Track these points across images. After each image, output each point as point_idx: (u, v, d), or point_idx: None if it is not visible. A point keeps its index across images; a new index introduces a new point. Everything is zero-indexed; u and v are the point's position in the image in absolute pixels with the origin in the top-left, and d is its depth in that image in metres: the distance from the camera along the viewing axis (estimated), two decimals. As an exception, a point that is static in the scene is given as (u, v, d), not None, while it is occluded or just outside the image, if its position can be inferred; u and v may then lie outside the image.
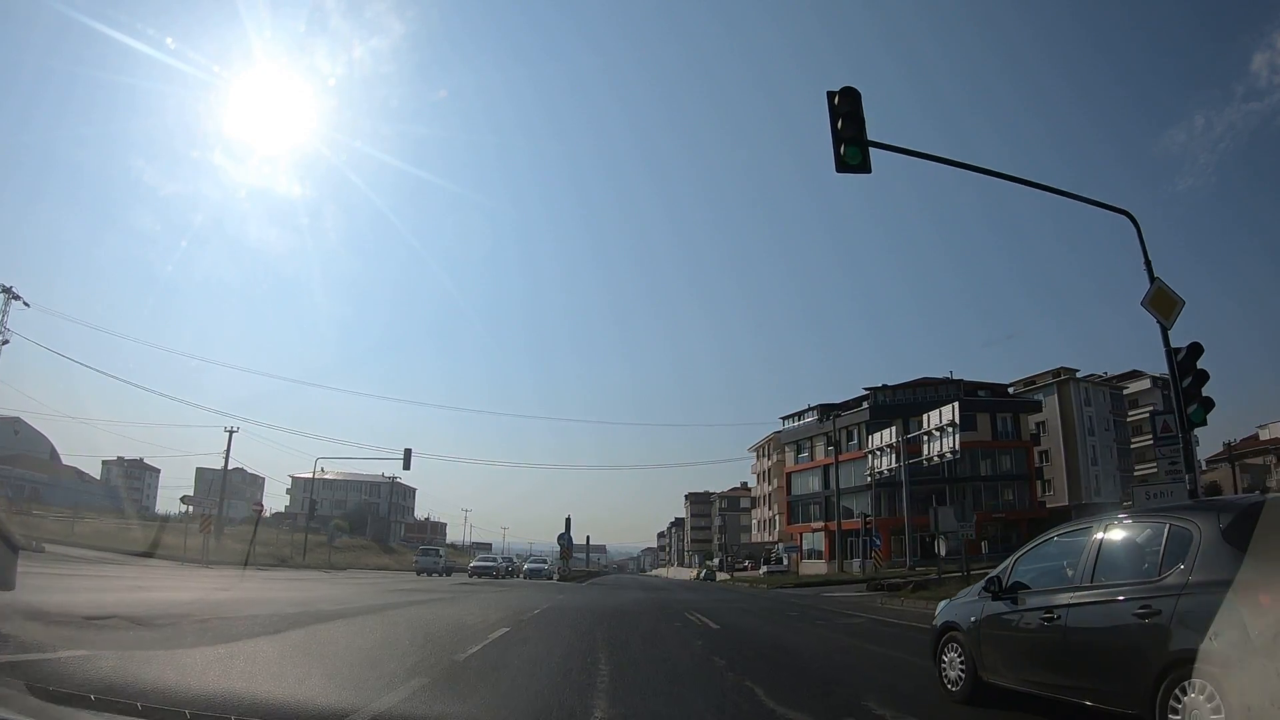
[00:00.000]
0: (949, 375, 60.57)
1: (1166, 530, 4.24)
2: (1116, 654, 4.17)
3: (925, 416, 36.93)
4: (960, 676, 5.68)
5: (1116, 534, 4.73)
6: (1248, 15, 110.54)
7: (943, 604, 6.80)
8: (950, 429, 34.84)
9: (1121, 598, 4.26)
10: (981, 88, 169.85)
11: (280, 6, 76.86)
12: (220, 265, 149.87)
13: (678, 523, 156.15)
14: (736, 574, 73.33)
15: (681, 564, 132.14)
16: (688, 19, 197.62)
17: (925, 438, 36.61)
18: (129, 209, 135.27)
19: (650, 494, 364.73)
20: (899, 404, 58.74)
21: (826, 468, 64.37)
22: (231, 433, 45.52)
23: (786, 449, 73.57)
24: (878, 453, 41.27)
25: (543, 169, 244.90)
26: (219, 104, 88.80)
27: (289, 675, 5.76)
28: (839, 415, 59.47)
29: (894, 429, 40.60)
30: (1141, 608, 4.02)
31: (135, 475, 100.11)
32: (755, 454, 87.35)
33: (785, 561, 68.54)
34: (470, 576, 37.90)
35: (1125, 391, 73.02)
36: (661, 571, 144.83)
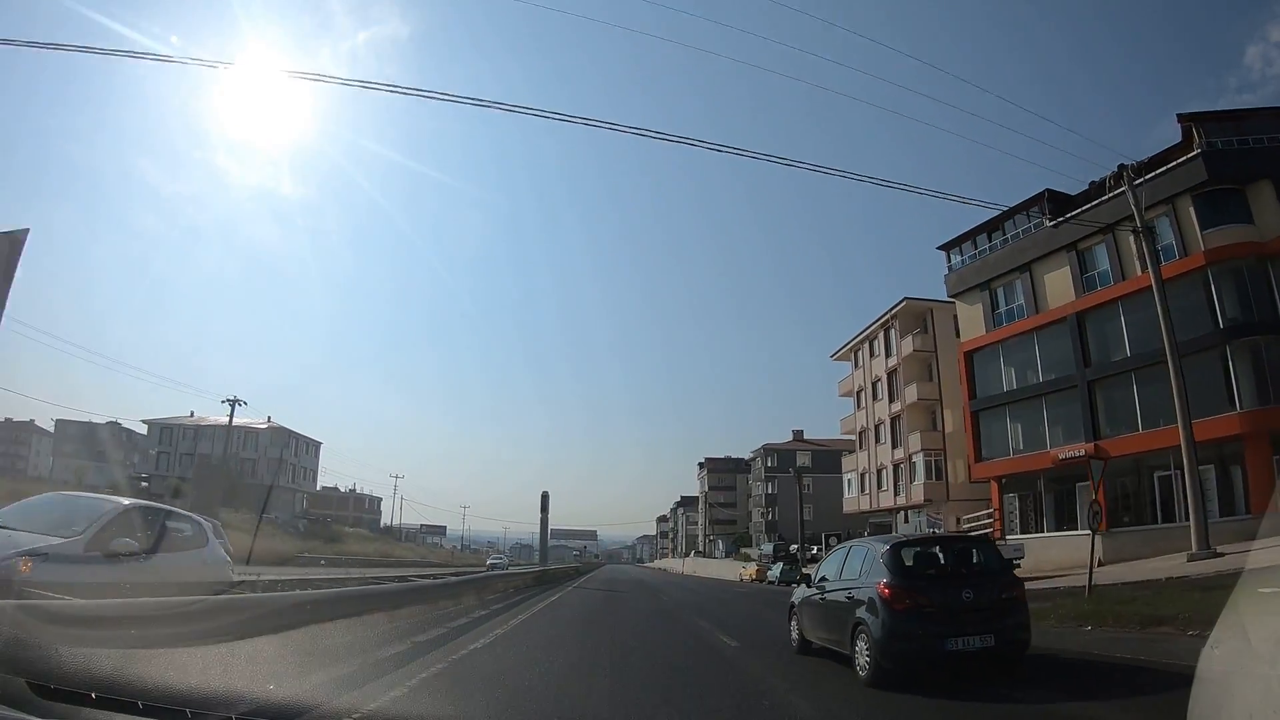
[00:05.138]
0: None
1: (868, 549, 8.13)
2: (840, 619, 7.82)
3: None
4: (796, 638, 9.61)
5: (856, 550, 8.59)
6: (1240, 8, 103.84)
7: (795, 590, 10.37)
8: None
9: (844, 587, 8.08)
10: (974, 83, 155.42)
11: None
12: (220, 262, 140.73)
13: (686, 502, 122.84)
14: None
15: (699, 552, 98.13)
16: (683, 19, 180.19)
17: None
18: (129, 207, 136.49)
19: (647, 476, 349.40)
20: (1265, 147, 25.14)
21: (1079, 319, 30.74)
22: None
23: (961, 305, 36.47)
24: None
25: (539, 166, 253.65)
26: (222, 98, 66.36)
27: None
28: (1141, 175, 25.31)
29: None
30: (849, 594, 7.83)
31: (20, 440, 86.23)
32: (850, 358, 52.97)
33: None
34: None
35: None
36: (667, 564, 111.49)
